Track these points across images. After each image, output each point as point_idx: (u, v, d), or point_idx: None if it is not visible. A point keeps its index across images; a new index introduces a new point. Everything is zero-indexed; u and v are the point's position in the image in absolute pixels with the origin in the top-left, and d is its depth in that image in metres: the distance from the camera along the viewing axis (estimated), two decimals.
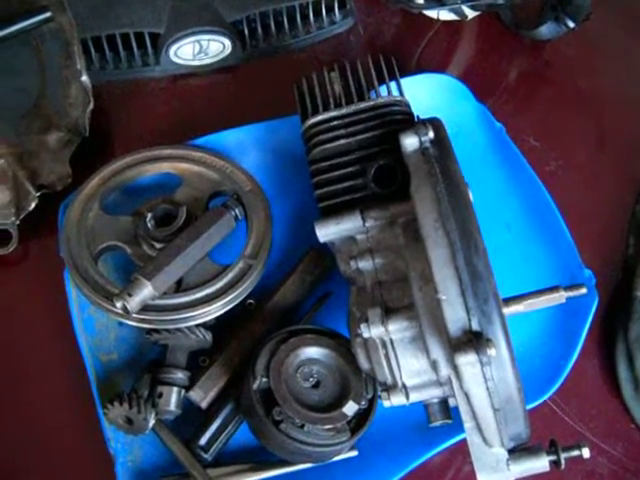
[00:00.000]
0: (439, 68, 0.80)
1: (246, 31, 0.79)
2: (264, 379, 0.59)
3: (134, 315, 0.60)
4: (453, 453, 0.63)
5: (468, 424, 0.53)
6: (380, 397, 0.57)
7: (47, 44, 0.71)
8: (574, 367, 0.64)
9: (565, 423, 0.67)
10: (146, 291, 0.59)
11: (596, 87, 0.82)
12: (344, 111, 0.64)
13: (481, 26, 0.85)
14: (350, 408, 0.59)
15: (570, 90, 0.82)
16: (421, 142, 0.55)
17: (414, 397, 0.56)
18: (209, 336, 0.63)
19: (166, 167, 0.69)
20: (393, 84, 0.67)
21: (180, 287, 0.63)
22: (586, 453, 0.54)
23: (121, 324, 0.65)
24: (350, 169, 0.61)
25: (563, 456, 0.53)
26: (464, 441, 0.55)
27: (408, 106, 0.65)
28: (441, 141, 0.55)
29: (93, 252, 0.64)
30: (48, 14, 0.70)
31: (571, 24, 0.79)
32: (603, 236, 0.74)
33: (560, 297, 0.56)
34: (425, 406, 0.57)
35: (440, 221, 0.51)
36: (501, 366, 0.49)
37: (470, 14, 0.83)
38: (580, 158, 0.79)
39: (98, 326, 0.66)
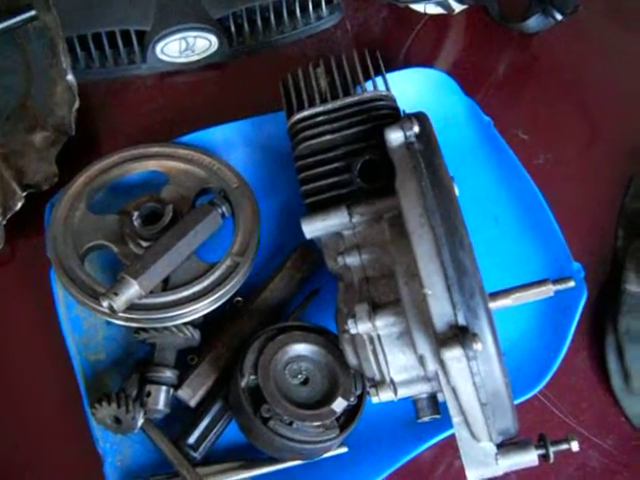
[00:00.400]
0: (427, 62, 0.80)
1: (232, 27, 0.79)
2: (252, 377, 0.59)
3: (121, 314, 0.60)
4: (443, 448, 0.63)
5: (456, 419, 0.53)
6: (369, 393, 0.57)
7: (32, 43, 0.71)
8: (564, 360, 0.64)
9: (555, 416, 0.67)
10: (133, 290, 0.59)
11: (585, 80, 0.82)
12: (329, 106, 0.63)
13: (468, 20, 0.85)
14: (339, 404, 0.58)
15: (559, 83, 0.82)
16: (406, 137, 0.55)
17: (402, 392, 0.56)
18: (197, 334, 0.63)
19: (152, 165, 0.69)
20: (380, 79, 0.67)
21: (167, 285, 0.63)
22: (575, 446, 0.54)
23: (109, 323, 0.65)
24: (336, 165, 0.61)
25: (552, 450, 0.53)
26: (454, 436, 0.54)
27: (394, 101, 0.65)
28: (426, 135, 0.55)
29: (79, 251, 0.64)
30: (33, 12, 0.69)
31: (559, 17, 0.79)
32: (592, 229, 0.74)
33: (548, 290, 0.56)
34: (414, 401, 0.57)
35: (425, 216, 0.50)
36: (488, 361, 0.49)
37: (457, 8, 0.82)
38: (569, 151, 0.79)
39: (86, 326, 0.66)
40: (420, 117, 0.56)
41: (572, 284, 0.56)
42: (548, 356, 0.65)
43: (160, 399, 0.61)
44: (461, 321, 0.49)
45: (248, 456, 0.62)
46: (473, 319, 0.49)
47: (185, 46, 0.78)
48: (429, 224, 0.50)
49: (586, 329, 0.70)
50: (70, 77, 0.70)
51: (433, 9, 0.82)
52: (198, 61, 0.80)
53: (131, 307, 0.60)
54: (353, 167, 0.60)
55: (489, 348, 0.49)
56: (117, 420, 0.61)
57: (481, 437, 0.53)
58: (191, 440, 0.61)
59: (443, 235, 0.50)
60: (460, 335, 0.48)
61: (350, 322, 0.54)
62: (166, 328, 0.62)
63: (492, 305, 0.54)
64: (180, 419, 0.63)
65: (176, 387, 0.62)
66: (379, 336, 0.55)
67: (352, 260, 0.58)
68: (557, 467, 0.64)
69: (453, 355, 0.48)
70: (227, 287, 0.63)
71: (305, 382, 0.60)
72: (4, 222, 0.68)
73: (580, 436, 0.65)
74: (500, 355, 0.50)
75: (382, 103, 0.63)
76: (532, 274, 0.60)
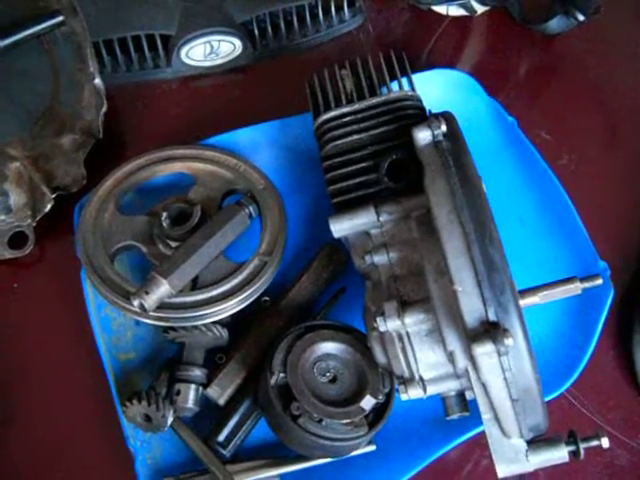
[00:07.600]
0: (449, 64, 0.80)
1: (256, 31, 0.80)
2: (281, 374, 0.59)
3: (151, 313, 0.60)
4: (470, 446, 0.63)
5: (486, 415, 0.53)
6: (397, 391, 0.58)
7: (60, 48, 0.72)
8: (591, 359, 0.64)
9: (582, 415, 0.67)
10: (163, 289, 0.59)
11: (607, 79, 0.82)
12: (356, 106, 0.64)
13: (490, 21, 0.85)
14: (367, 402, 0.59)
15: (582, 83, 0.82)
16: (434, 135, 0.55)
17: (431, 390, 0.56)
18: (225, 333, 0.64)
19: (179, 167, 0.70)
20: (404, 79, 0.67)
21: (196, 285, 0.63)
22: (605, 443, 0.54)
23: (138, 323, 0.66)
24: (363, 164, 0.62)
25: (582, 446, 0.53)
26: (482, 434, 0.55)
27: (420, 101, 0.65)
28: (454, 134, 0.55)
29: (109, 252, 0.64)
30: (60, 18, 0.70)
31: (581, 17, 0.79)
32: (617, 228, 0.74)
33: (576, 288, 0.56)
34: (442, 399, 0.58)
35: (455, 213, 0.51)
36: (518, 356, 0.49)
37: (479, 9, 0.83)
38: (593, 150, 0.79)
39: (115, 325, 0.67)
40: (447, 116, 0.57)
41: (600, 281, 0.56)
42: (575, 354, 0.65)
43: (189, 397, 0.62)
44: (492, 317, 0.49)
45: (277, 453, 0.63)
46: (504, 314, 0.49)
47: (209, 50, 0.79)
48: (459, 220, 0.51)
49: (613, 327, 0.69)
50: (97, 81, 0.71)
51: (455, 11, 0.83)
52: (222, 65, 0.81)
53: (160, 306, 0.60)
54: (380, 167, 0.61)
55: (520, 343, 0.49)
56: (147, 418, 0.61)
57: (511, 433, 0.53)
58: (221, 438, 0.62)
59: (473, 231, 0.50)
60: (491, 330, 0.48)
61: (379, 320, 0.54)
62: (195, 327, 0.62)
63: (520, 303, 0.54)
64: (209, 417, 0.63)
65: (205, 386, 0.63)
66: (408, 333, 0.55)
67: (380, 259, 0.58)
68: (585, 466, 0.64)
69: (484, 350, 0.48)
70: (255, 286, 0.63)
71: (333, 380, 0.60)
72: (34, 224, 0.69)
73: (608, 435, 0.64)
74: (531, 350, 0.50)
75: (408, 103, 0.64)
76: (558, 274, 0.60)
